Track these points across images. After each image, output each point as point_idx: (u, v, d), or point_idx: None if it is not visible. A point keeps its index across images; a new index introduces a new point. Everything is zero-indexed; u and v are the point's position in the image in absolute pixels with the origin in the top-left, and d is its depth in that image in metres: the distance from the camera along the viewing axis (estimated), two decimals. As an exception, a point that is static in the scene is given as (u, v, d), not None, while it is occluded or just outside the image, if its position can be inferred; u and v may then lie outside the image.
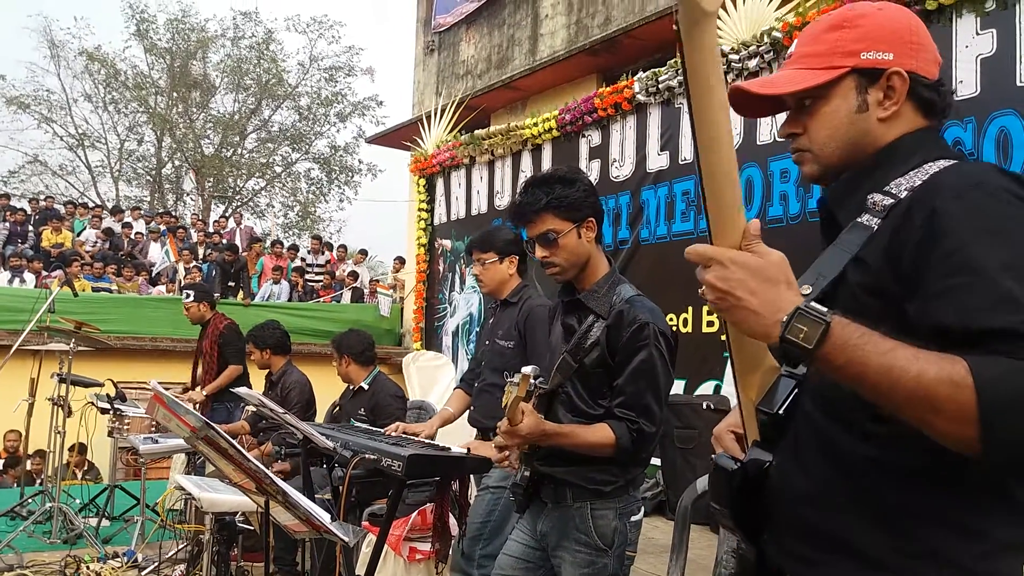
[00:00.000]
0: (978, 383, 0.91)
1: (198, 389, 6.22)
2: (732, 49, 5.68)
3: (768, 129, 5.57)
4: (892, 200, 1.14)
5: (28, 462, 7.84)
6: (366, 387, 4.40)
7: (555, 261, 2.30)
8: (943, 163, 1.15)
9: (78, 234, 13.38)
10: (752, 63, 5.52)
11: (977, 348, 0.95)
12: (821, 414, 1.17)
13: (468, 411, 3.58)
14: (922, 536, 1.06)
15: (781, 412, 1.17)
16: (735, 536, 1.28)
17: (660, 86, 6.44)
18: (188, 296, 6.30)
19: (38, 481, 7.65)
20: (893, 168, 1.18)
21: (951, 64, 4.50)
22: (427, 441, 3.28)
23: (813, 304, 1.00)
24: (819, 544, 1.15)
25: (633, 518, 2.29)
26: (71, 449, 7.46)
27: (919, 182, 1.13)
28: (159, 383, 2.98)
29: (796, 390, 1.16)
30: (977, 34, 4.42)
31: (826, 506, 1.15)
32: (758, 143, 5.61)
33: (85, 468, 8.48)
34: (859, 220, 1.16)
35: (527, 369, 2.03)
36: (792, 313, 1.00)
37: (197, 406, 6.10)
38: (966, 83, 4.44)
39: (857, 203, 1.18)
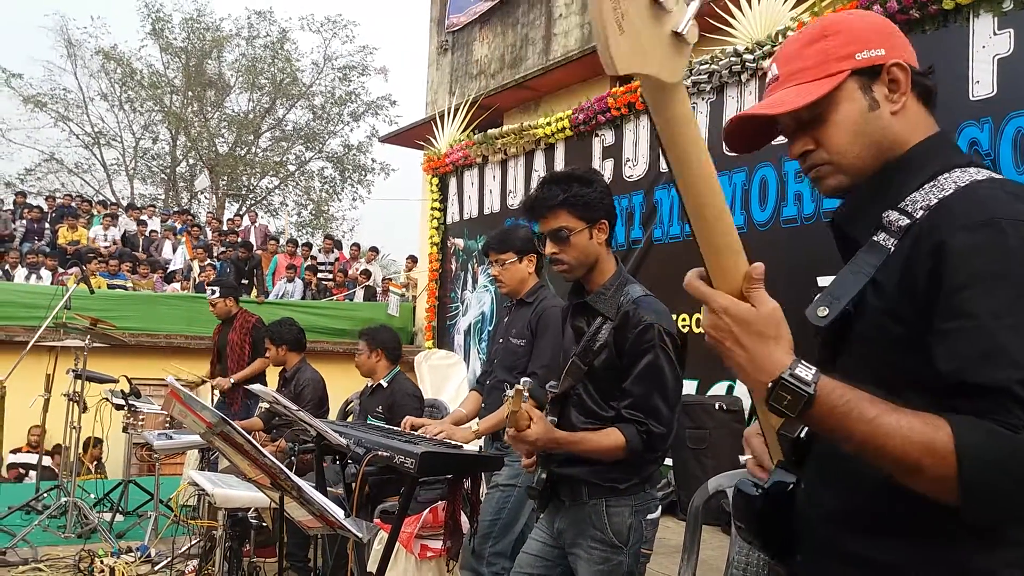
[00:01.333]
0: (959, 451, 0.94)
1: (217, 379, 6.22)
2: (747, 49, 5.66)
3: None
4: (908, 220, 1.12)
5: (45, 459, 7.89)
6: (385, 385, 4.43)
7: (564, 259, 2.31)
8: (958, 174, 1.13)
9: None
10: (767, 63, 5.50)
11: (966, 399, 0.97)
12: None
13: (481, 410, 3.59)
14: (948, 547, 1.06)
15: (802, 436, 1.17)
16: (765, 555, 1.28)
17: (674, 86, 6.41)
18: (214, 292, 6.30)
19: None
20: (907, 182, 1.16)
21: (968, 64, 4.46)
22: (439, 439, 3.29)
23: (798, 373, 1.01)
24: (849, 561, 1.15)
25: (649, 516, 2.29)
26: (86, 444, 7.51)
27: (935, 200, 1.11)
28: (175, 379, 3.00)
29: None
30: (994, 34, 4.38)
31: (852, 525, 1.14)
32: (772, 143, 5.58)
33: (95, 464, 8.54)
34: (875, 239, 1.14)
35: (520, 385, 2.05)
36: (775, 382, 1.02)
37: (221, 393, 6.12)
38: (983, 83, 4.40)
39: (873, 219, 1.16)
